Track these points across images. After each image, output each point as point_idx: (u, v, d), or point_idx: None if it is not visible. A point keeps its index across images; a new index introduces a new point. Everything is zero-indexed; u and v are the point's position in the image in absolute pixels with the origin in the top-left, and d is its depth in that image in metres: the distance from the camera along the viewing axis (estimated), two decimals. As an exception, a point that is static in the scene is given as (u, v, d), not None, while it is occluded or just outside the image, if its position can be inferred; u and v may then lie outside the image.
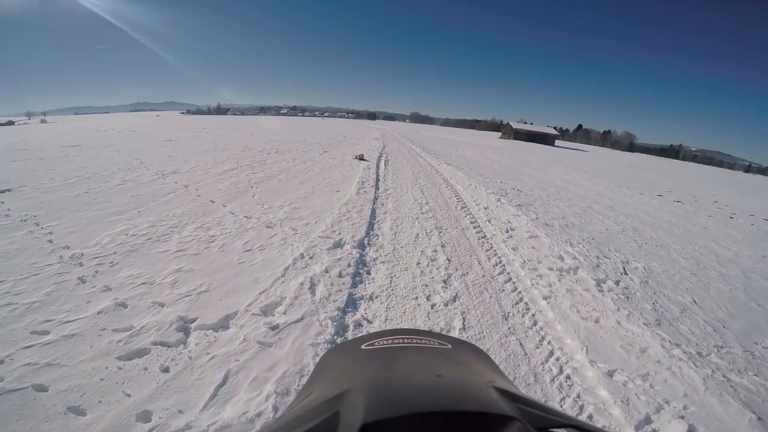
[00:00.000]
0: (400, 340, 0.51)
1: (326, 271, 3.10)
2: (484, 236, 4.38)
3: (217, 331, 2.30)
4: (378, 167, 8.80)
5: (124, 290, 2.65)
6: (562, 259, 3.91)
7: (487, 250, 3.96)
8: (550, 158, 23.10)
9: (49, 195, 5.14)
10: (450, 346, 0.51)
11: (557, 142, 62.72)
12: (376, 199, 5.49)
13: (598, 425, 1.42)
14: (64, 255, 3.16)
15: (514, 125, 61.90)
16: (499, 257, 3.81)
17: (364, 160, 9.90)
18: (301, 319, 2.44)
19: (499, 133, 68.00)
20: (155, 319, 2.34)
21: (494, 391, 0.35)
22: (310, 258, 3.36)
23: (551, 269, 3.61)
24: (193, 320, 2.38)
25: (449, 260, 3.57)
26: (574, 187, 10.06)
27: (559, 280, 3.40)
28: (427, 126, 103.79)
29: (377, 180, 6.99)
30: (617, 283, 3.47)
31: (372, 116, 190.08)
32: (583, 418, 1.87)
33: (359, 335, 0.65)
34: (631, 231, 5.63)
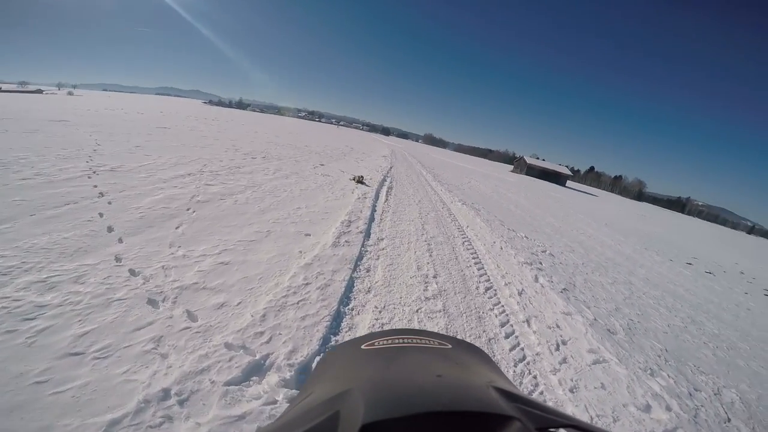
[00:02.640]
0: (400, 340, 0.49)
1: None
2: (524, 360, 2.60)
3: None
4: (377, 198, 7.05)
5: None
6: (648, 410, 2.40)
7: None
8: (565, 202, 21.63)
9: None
10: (450, 346, 0.50)
11: (568, 183, 61.40)
12: (359, 258, 3.68)
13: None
14: None
15: (528, 160, 60.65)
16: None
17: (363, 183, 8.22)
18: None
19: (511, 166, 66.89)
20: None
21: (494, 391, 0.35)
22: (169, 424, 1.60)
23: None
24: None
25: None
26: (600, 247, 8.54)
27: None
28: (440, 150, 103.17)
29: (371, 220, 5.20)
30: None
31: (386, 131, 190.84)
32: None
33: (359, 336, 0.56)
34: (692, 325, 4.38)
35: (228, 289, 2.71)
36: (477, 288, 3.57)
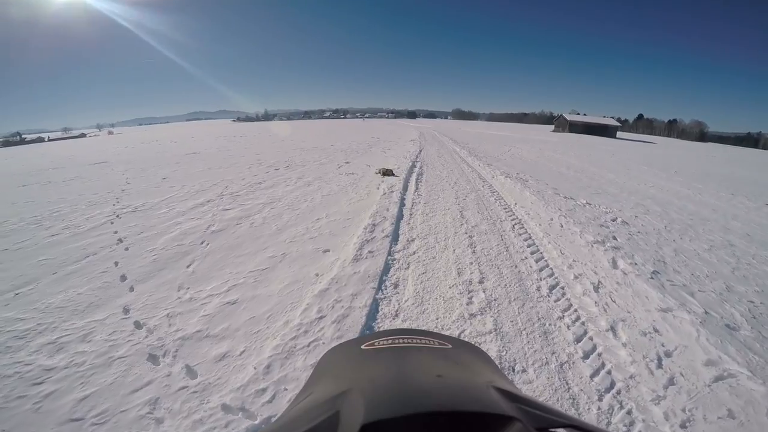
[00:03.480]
0: (400, 340, 0.48)
1: None
2: (613, 388, 1.93)
3: None
4: (406, 188, 6.41)
5: None
6: None
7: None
8: (622, 154, 19.37)
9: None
10: (450, 346, 0.49)
11: (618, 134, 55.84)
12: (385, 271, 3.10)
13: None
14: None
15: (569, 117, 56.03)
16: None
17: (390, 175, 7.62)
18: None
19: (551, 126, 62.44)
20: None
21: (494, 391, 0.35)
22: None
23: None
24: None
25: None
26: (678, 200, 7.20)
27: None
28: (471, 122, 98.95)
29: (399, 218, 4.58)
30: None
31: (412, 115, 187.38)
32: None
33: (359, 336, 0.59)
34: None
35: (232, 334, 2.33)
36: (538, 289, 2.84)
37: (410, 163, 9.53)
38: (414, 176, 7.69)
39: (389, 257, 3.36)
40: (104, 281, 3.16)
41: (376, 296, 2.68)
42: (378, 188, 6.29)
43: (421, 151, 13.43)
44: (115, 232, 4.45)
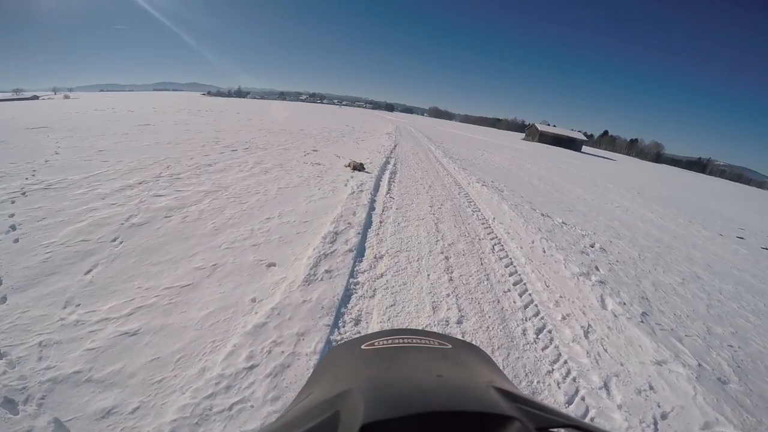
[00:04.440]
0: (400, 340, 0.49)
1: None
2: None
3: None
4: (377, 188, 5.84)
5: None
6: None
7: None
8: (587, 169, 20.27)
9: None
10: (450, 346, 0.49)
11: (583, 148, 58.79)
12: (345, 301, 2.48)
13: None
14: None
15: (540, 127, 58.01)
16: None
17: (361, 170, 7.02)
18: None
19: (522, 134, 64.48)
20: None
21: (494, 391, 0.34)
22: None
23: None
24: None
25: None
26: (642, 224, 7.27)
27: None
28: (446, 122, 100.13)
29: (366, 227, 3.97)
30: None
31: (390, 108, 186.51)
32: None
33: (359, 336, 0.57)
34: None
35: (125, 381, 1.67)
36: (524, 333, 2.39)
37: (384, 159, 8.99)
38: (386, 176, 7.12)
39: (351, 279, 2.75)
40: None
41: (330, 337, 2.08)
42: (346, 185, 5.66)
43: (395, 146, 12.94)
44: (11, 215, 3.52)
